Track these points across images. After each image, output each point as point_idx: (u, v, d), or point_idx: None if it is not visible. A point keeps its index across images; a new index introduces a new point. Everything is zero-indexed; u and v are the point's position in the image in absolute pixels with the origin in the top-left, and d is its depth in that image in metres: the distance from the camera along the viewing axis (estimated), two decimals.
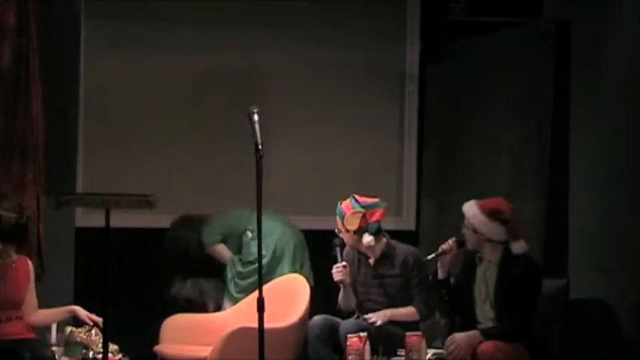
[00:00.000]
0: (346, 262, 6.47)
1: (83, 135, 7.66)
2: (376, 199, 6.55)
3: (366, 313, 6.38)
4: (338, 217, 6.46)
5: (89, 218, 7.14)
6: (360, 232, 6.42)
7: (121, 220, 6.47)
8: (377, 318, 6.29)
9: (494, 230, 6.00)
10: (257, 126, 5.04)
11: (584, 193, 7.23)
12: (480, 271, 6.08)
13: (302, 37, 7.90)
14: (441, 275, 6.15)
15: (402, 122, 8.13)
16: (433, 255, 6.17)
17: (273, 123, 7.34)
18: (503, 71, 7.70)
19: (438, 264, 6.16)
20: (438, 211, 8.08)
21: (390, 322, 6.30)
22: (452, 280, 6.17)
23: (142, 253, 7.38)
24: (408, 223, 8.07)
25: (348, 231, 6.42)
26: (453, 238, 6.14)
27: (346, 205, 6.46)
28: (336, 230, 6.48)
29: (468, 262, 6.17)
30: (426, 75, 8.14)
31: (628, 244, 6.78)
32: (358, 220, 6.39)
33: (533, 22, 7.67)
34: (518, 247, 6.01)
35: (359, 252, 6.50)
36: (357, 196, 6.47)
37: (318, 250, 7.13)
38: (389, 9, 8.04)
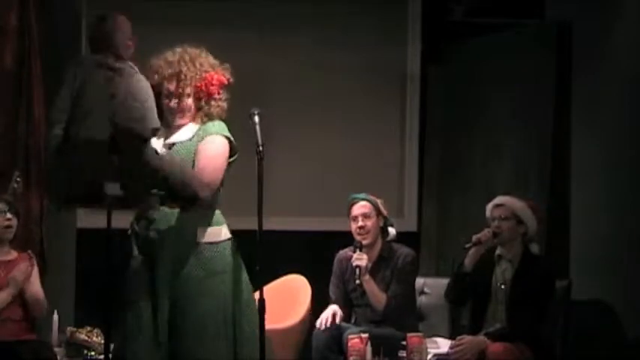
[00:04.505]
0: (339, 271, 6.45)
1: None
2: None
3: (362, 318, 6.38)
4: (369, 203, 6.43)
5: (90, 219, 7.13)
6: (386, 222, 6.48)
7: (123, 220, 6.46)
8: (361, 262, 6.29)
9: (534, 226, 6.07)
10: (258, 127, 5.04)
11: (585, 194, 7.23)
12: (498, 271, 6.07)
13: (303, 37, 7.89)
14: (468, 267, 6.13)
15: (403, 123, 8.12)
16: (470, 244, 6.13)
17: (274, 124, 7.33)
18: (504, 72, 7.70)
19: (469, 253, 6.13)
20: (439, 212, 8.08)
21: (390, 324, 6.29)
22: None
23: None
24: (410, 224, 8.03)
25: (378, 215, 6.41)
26: (489, 229, 6.10)
27: (371, 194, 6.47)
28: (361, 218, 6.41)
29: (485, 259, 6.14)
30: (427, 76, 8.14)
31: (630, 244, 6.78)
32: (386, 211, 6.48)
33: (535, 23, 7.68)
34: (534, 247, 6.11)
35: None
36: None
37: (318, 251, 7.12)
38: (390, 9, 8.04)
